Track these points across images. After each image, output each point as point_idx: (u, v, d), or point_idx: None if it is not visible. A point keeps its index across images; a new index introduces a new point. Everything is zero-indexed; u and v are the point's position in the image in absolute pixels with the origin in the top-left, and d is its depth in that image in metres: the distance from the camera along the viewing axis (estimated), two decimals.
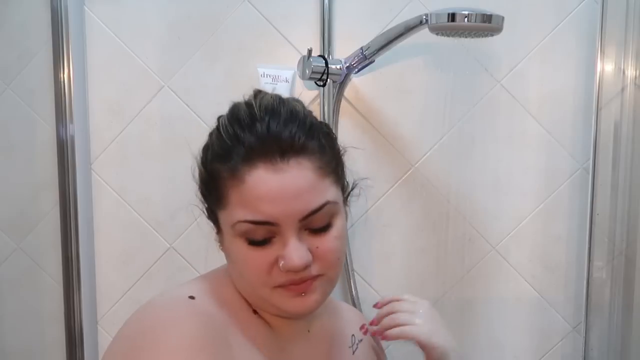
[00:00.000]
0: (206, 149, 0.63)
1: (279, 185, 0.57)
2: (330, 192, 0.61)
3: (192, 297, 0.63)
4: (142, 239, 1.08)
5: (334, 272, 0.64)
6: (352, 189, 0.72)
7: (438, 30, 0.81)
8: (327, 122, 1.02)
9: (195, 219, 0.65)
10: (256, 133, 0.58)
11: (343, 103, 1.06)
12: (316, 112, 1.04)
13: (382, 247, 1.09)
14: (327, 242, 0.61)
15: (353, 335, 0.76)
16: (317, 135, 0.61)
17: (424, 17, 0.81)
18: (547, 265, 1.11)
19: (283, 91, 1.02)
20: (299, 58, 1.02)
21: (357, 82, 1.06)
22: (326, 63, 0.98)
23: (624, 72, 1.02)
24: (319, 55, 1.00)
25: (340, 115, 1.05)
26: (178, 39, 1.05)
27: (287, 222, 0.58)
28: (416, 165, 1.08)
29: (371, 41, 0.93)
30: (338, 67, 1.00)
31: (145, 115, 1.05)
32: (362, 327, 0.76)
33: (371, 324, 0.73)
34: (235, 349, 0.60)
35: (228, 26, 1.05)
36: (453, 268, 1.10)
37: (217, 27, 1.04)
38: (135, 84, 1.05)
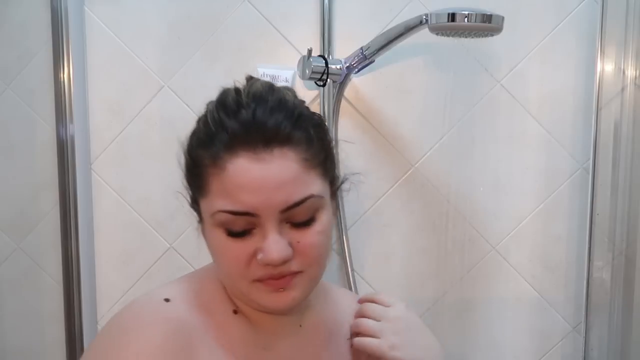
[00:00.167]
0: (192, 135, 0.62)
1: (260, 175, 0.56)
2: (316, 186, 0.59)
3: (167, 300, 0.63)
4: (142, 239, 1.08)
5: (316, 269, 0.62)
6: (342, 183, 0.70)
7: (438, 30, 0.81)
8: (327, 122, 1.02)
9: (196, 219, 0.64)
10: (240, 120, 0.57)
11: (343, 103, 1.06)
12: (316, 112, 1.04)
13: (382, 247, 1.09)
14: (309, 237, 0.59)
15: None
16: (306, 126, 0.59)
17: (424, 17, 0.81)
18: (547, 265, 1.11)
19: None
20: (299, 58, 1.02)
21: (357, 82, 1.06)
22: (326, 63, 0.98)
23: (624, 72, 1.02)
24: (319, 55, 1.00)
25: (340, 115, 1.05)
26: (178, 39, 1.05)
27: (268, 213, 0.56)
28: (416, 165, 1.08)
29: (371, 41, 0.93)
30: (338, 67, 1.00)
31: (145, 115, 1.05)
32: None
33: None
34: (204, 354, 0.59)
35: (228, 26, 1.05)
36: (453, 268, 1.10)
37: (217, 27, 1.05)
38: (135, 84, 1.05)
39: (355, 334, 0.67)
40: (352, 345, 0.68)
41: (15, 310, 1.11)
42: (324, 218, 0.61)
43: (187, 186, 0.63)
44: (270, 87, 0.61)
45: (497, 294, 1.11)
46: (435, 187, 1.09)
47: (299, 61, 1.01)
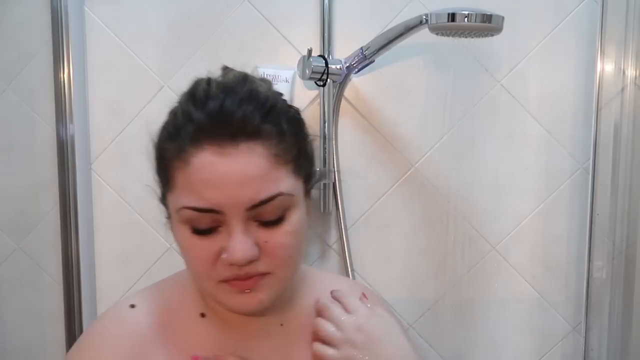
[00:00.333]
0: (162, 127, 0.59)
1: (225, 170, 0.53)
2: (285, 183, 0.56)
3: (132, 306, 0.64)
4: (142, 239, 1.08)
5: (285, 271, 0.59)
6: (317, 181, 0.67)
7: (438, 30, 0.81)
8: (327, 122, 1.02)
9: (165, 215, 0.62)
10: (207, 111, 0.54)
11: (343, 103, 1.06)
12: (316, 112, 1.04)
13: (382, 247, 1.09)
14: (278, 237, 0.56)
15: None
16: (277, 120, 0.56)
17: (424, 17, 0.82)
18: (547, 265, 1.11)
19: (283, 91, 1.01)
20: (299, 58, 1.02)
21: (357, 82, 1.06)
22: (326, 63, 0.98)
23: (624, 72, 1.02)
24: (319, 55, 1.00)
25: (340, 115, 1.05)
26: (178, 39, 1.05)
27: (233, 211, 0.54)
28: (416, 165, 1.08)
29: (371, 41, 0.93)
30: (338, 67, 1.00)
31: (145, 115, 1.05)
32: None
33: None
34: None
35: (228, 26, 1.05)
36: (453, 268, 1.10)
37: (217, 27, 1.05)
38: (135, 84, 1.05)
39: (315, 336, 0.63)
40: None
41: (15, 310, 1.11)
42: (295, 218, 0.57)
43: (156, 181, 0.61)
44: (242, 78, 0.58)
45: (497, 294, 1.11)
46: (435, 187, 1.09)
47: (299, 61, 1.01)
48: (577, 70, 1.07)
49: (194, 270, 0.59)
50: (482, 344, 1.12)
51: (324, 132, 1.03)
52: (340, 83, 1.03)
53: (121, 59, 1.04)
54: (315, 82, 1.00)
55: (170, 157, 0.56)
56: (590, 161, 1.05)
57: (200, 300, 0.63)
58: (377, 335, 0.62)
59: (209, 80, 0.57)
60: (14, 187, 1.09)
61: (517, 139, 1.08)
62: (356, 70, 1.01)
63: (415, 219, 1.09)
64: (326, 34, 1.03)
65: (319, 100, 1.04)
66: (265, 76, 1.00)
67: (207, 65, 0.60)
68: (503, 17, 0.79)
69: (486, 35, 0.82)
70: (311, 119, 1.05)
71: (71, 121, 1.02)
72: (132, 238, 1.08)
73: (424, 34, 0.84)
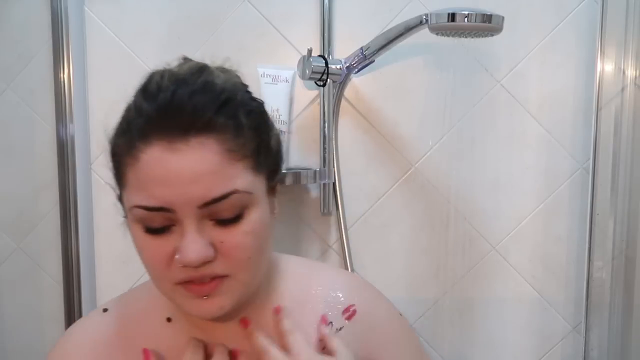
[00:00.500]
0: (117, 122, 0.56)
1: (175, 167, 0.50)
2: (242, 180, 0.52)
3: (105, 310, 0.64)
4: None
5: (246, 273, 0.55)
6: (279, 178, 0.61)
7: (438, 30, 0.81)
8: (327, 122, 1.02)
9: (121, 215, 0.60)
10: (156, 104, 0.51)
11: (343, 103, 1.06)
12: (316, 112, 1.04)
13: (382, 247, 1.09)
14: (235, 237, 0.52)
15: (330, 322, 0.63)
16: (234, 113, 0.52)
17: (424, 17, 0.82)
18: (547, 265, 1.11)
19: (283, 91, 1.02)
20: (299, 58, 1.02)
21: (357, 82, 1.06)
22: (326, 63, 0.98)
23: (624, 72, 1.02)
24: (319, 55, 1.00)
25: (340, 115, 1.05)
26: (178, 39, 1.05)
27: (184, 209, 0.50)
28: (416, 165, 1.08)
29: (371, 41, 0.93)
30: (338, 67, 1.00)
31: None
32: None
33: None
34: None
35: (228, 26, 1.05)
36: (453, 268, 1.10)
37: (217, 27, 1.04)
38: (135, 84, 1.04)
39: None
40: (323, 348, 0.60)
41: (15, 310, 1.11)
42: (254, 217, 0.54)
43: (113, 179, 0.58)
44: (198, 69, 0.55)
45: (497, 294, 1.11)
46: (435, 187, 1.09)
47: (299, 61, 1.01)
48: (577, 70, 1.07)
49: (150, 272, 0.56)
50: (482, 344, 1.12)
51: (324, 132, 1.03)
52: (340, 83, 1.03)
53: (121, 59, 1.04)
54: (315, 82, 1.00)
55: (121, 153, 0.54)
56: (590, 161, 1.05)
57: (168, 304, 0.60)
58: None
59: (163, 72, 0.55)
60: (14, 187, 1.09)
61: (517, 139, 1.08)
62: (356, 70, 1.01)
63: (415, 219, 1.09)
64: (326, 34, 1.03)
65: (319, 100, 1.04)
66: (265, 76, 1.01)
67: None
68: (503, 17, 0.79)
69: (486, 35, 0.82)
70: (311, 119, 1.05)
71: (71, 121, 1.02)
72: None
73: (424, 34, 0.84)
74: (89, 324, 0.64)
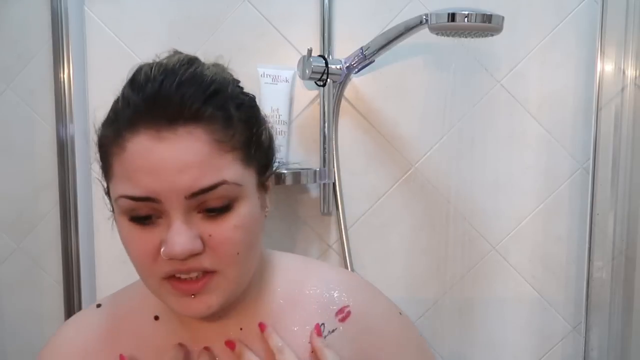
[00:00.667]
0: (105, 115, 0.56)
1: (161, 156, 0.49)
2: (231, 171, 0.51)
3: (98, 305, 0.65)
4: None
5: (234, 270, 0.53)
6: (272, 173, 0.60)
7: (438, 30, 0.81)
8: (327, 122, 1.02)
9: (109, 209, 0.59)
10: (144, 94, 0.50)
11: (343, 103, 1.06)
12: (316, 112, 1.04)
13: (382, 247, 1.09)
14: (224, 230, 0.51)
15: (323, 324, 0.61)
16: (223, 104, 0.52)
17: (424, 17, 0.82)
18: (547, 265, 1.11)
19: (283, 91, 1.02)
20: (299, 58, 1.02)
21: (357, 82, 1.06)
22: (326, 63, 0.98)
23: (624, 72, 1.02)
24: (319, 55, 1.00)
25: (340, 115, 1.05)
26: (178, 39, 1.05)
27: (171, 199, 0.49)
28: (416, 165, 1.08)
29: (371, 41, 0.93)
30: (338, 67, 1.00)
31: None
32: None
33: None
34: None
35: (228, 26, 1.05)
36: (453, 268, 1.10)
37: (217, 27, 1.04)
38: None
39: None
40: (312, 351, 0.59)
41: (15, 310, 1.11)
42: (244, 211, 0.52)
43: (101, 172, 0.57)
44: (188, 61, 0.55)
45: (497, 294, 1.11)
46: (435, 187, 1.09)
47: (299, 61, 1.01)
48: (577, 70, 1.07)
49: (137, 267, 0.54)
50: (482, 344, 1.12)
51: (324, 132, 1.03)
52: (340, 83, 1.03)
53: (121, 59, 1.04)
54: (315, 82, 1.00)
55: (108, 143, 0.53)
56: (590, 161, 1.05)
57: (157, 302, 0.58)
58: None
59: (151, 64, 0.54)
60: (14, 187, 1.09)
61: (517, 139, 1.08)
62: (356, 70, 1.01)
63: (415, 219, 1.09)
64: (326, 34, 1.03)
65: (319, 100, 1.04)
66: (265, 76, 1.01)
67: None
68: (503, 17, 0.79)
69: (486, 35, 0.82)
70: (311, 119, 1.05)
71: (71, 121, 1.02)
72: None
73: (424, 34, 0.84)
74: (82, 320, 0.65)
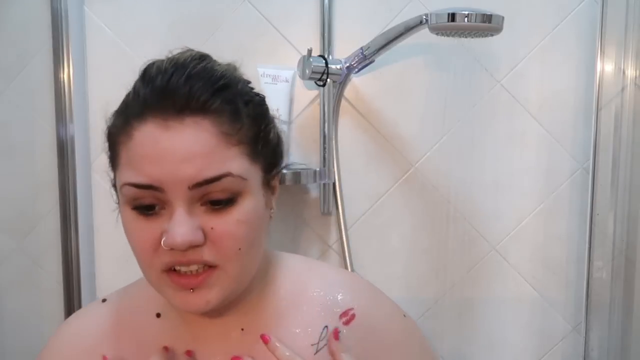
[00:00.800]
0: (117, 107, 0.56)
1: (167, 144, 0.49)
2: (236, 164, 0.51)
3: (104, 300, 0.65)
4: None
5: (235, 266, 0.52)
6: (279, 172, 0.60)
7: (438, 30, 0.81)
8: (327, 122, 1.02)
9: (115, 201, 0.59)
10: (153, 86, 0.51)
11: (343, 103, 1.06)
12: (316, 112, 1.04)
13: (382, 247, 1.09)
14: (226, 224, 0.51)
15: (326, 327, 0.60)
16: (232, 98, 0.53)
17: (424, 17, 0.82)
18: (547, 265, 1.11)
19: (283, 91, 1.01)
20: (299, 58, 1.02)
21: (357, 82, 1.06)
22: (326, 63, 0.98)
23: (624, 72, 1.02)
24: (319, 55, 1.00)
25: (340, 115, 1.05)
26: (178, 39, 1.04)
27: (174, 189, 0.49)
28: (416, 165, 1.08)
29: (371, 41, 0.93)
30: (338, 67, 1.00)
31: None
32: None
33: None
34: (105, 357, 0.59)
35: (228, 26, 1.05)
36: (453, 268, 1.10)
37: (217, 27, 1.04)
38: None
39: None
40: (316, 352, 0.58)
41: (15, 310, 1.11)
42: (248, 205, 0.52)
43: (109, 163, 0.57)
44: (199, 57, 0.56)
45: (497, 294, 1.11)
46: (435, 187, 1.09)
47: (299, 61, 1.01)
48: (577, 70, 1.07)
49: (138, 258, 0.54)
50: (482, 344, 1.12)
51: (324, 132, 1.03)
52: (340, 83, 1.03)
53: (121, 59, 1.04)
54: (315, 82, 1.00)
55: (116, 132, 0.54)
56: (590, 161, 1.05)
57: (160, 299, 0.57)
58: None
59: (164, 59, 0.55)
60: (14, 187, 1.09)
61: (517, 139, 1.08)
62: (356, 70, 1.01)
63: (415, 219, 1.09)
64: (326, 34, 1.03)
65: (319, 100, 1.04)
66: (265, 76, 1.01)
67: None
68: (503, 17, 0.79)
69: (486, 35, 0.82)
70: (311, 119, 1.05)
71: (71, 121, 1.02)
72: None
73: (424, 34, 0.84)
74: (88, 313, 0.65)
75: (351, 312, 0.61)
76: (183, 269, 0.52)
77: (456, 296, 1.11)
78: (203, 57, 0.56)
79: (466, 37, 0.83)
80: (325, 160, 1.02)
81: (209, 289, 0.52)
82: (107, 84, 1.05)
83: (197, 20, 1.04)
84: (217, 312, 0.56)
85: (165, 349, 0.58)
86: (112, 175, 0.57)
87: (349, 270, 1.04)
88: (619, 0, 1.00)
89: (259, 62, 1.02)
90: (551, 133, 1.08)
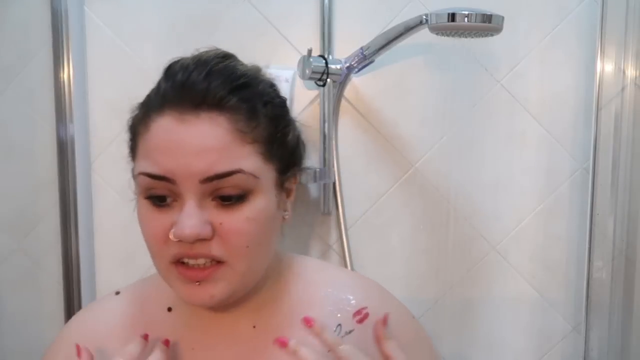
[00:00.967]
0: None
1: (181, 137, 0.50)
2: (249, 162, 0.52)
3: (117, 293, 0.66)
4: (142, 239, 1.08)
5: (242, 263, 0.53)
6: (293, 175, 0.60)
7: (438, 30, 0.81)
8: (327, 122, 1.02)
9: (134, 193, 0.59)
10: (174, 80, 0.53)
11: (343, 103, 1.06)
12: (316, 112, 1.04)
13: (382, 247, 1.09)
14: (235, 220, 0.52)
15: (339, 325, 0.61)
16: (250, 97, 0.54)
17: (424, 17, 0.81)
18: (547, 265, 1.11)
19: (283, 91, 1.01)
20: (299, 58, 1.02)
21: (357, 82, 1.06)
22: (326, 63, 0.98)
23: (624, 72, 1.02)
24: (319, 55, 1.00)
25: (340, 115, 1.05)
26: (178, 39, 1.05)
27: (186, 181, 0.50)
28: (416, 165, 1.08)
29: (371, 41, 0.93)
30: (338, 67, 1.00)
31: None
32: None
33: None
34: (113, 351, 0.58)
35: (228, 26, 1.04)
36: (453, 268, 1.10)
37: (217, 27, 1.04)
38: (135, 84, 1.04)
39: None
40: (329, 350, 0.57)
41: (15, 310, 1.11)
42: (259, 204, 0.53)
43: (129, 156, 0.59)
44: (223, 55, 0.58)
45: (497, 294, 1.11)
46: (435, 187, 1.09)
47: (299, 61, 1.01)
48: (577, 70, 1.07)
49: (149, 247, 0.56)
50: (482, 344, 1.12)
51: (324, 132, 1.03)
52: (340, 83, 1.03)
53: (121, 59, 1.04)
54: (315, 82, 1.00)
55: (136, 124, 0.55)
56: (590, 161, 1.05)
57: (171, 293, 0.58)
58: None
59: (189, 57, 0.58)
60: (14, 187, 1.09)
61: (517, 139, 1.08)
62: (356, 70, 1.01)
63: (415, 219, 1.09)
64: (326, 34, 1.03)
65: (319, 100, 1.04)
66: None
67: None
68: (503, 17, 0.79)
69: (486, 35, 0.82)
70: (311, 119, 1.05)
71: (71, 121, 1.02)
72: (132, 238, 1.08)
73: (424, 34, 0.84)
74: (99, 307, 0.66)
75: (365, 311, 0.62)
76: (191, 261, 0.53)
77: (456, 296, 1.11)
78: (227, 56, 0.58)
79: (466, 37, 0.83)
80: (325, 160, 1.02)
81: (214, 283, 0.53)
82: (107, 84, 1.05)
83: (197, 20, 1.04)
84: (227, 307, 0.56)
85: (145, 337, 0.58)
86: (132, 165, 0.58)
87: (350, 269, 1.04)
88: (619, 0, 1.00)
89: (259, 62, 1.02)
90: (551, 133, 1.08)
